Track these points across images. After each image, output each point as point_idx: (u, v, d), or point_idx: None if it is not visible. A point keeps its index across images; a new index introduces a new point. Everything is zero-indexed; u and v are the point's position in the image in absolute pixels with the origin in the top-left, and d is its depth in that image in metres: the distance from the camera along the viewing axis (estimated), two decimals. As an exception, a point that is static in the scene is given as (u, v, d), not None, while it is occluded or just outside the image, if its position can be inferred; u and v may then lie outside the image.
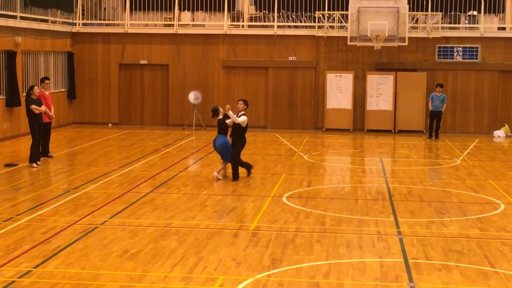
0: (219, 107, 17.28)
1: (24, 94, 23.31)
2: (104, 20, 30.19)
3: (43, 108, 18.74)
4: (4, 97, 23.66)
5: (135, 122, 29.21)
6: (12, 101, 23.81)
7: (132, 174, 17.61)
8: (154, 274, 9.59)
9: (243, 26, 29.31)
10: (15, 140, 23.46)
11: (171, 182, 16.59)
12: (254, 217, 13.10)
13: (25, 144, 21.37)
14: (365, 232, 12.17)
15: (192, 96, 28.02)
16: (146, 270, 9.76)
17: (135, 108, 29.39)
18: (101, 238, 11.49)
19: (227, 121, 16.81)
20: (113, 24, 29.83)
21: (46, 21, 26.85)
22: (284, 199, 14.82)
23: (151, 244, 11.11)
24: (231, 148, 16.79)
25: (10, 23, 23.82)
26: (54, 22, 27.59)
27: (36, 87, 18.93)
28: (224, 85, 28.86)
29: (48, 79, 20.67)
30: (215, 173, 16.93)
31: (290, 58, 28.58)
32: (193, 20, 29.62)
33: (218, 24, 29.16)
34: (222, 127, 16.89)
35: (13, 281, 9.19)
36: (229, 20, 29.12)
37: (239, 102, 17.14)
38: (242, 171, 17.16)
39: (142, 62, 29.03)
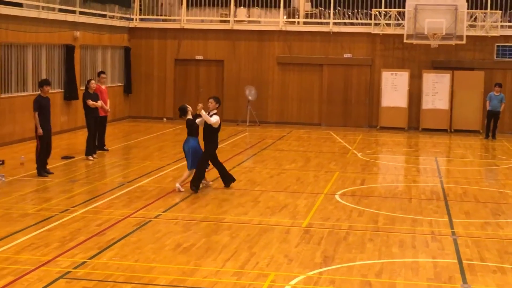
0: (188, 106, 15.36)
1: (82, 88, 23.71)
2: (160, 15, 30.47)
3: (99, 103, 18.99)
4: (62, 90, 24.05)
5: (190, 117, 29.34)
6: (70, 95, 24.19)
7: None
8: (206, 268, 9.65)
9: (298, 22, 29.25)
10: (72, 133, 23.84)
11: (224, 178, 16.64)
12: (306, 214, 13.07)
13: (81, 137, 21.68)
14: (419, 232, 12.04)
15: (248, 92, 28.08)
16: (198, 264, 9.83)
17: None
18: (155, 231, 11.60)
19: (197, 120, 15.00)
20: (170, 20, 30.08)
21: (104, 16, 27.20)
22: (337, 196, 14.75)
23: (204, 239, 11.18)
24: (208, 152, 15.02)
25: (69, 17, 24.20)
26: (112, 17, 27.94)
27: (93, 81, 19.19)
28: (278, 81, 28.85)
29: (104, 73, 20.94)
30: (177, 185, 14.77)
31: (346, 56, 28.42)
32: (249, 16, 29.66)
33: (273, 20, 29.16)
34: (191, 128, 15.02)
35: (69, 272, 9.34)
36: (285, 16, 29.10)
37: (210, 100, 15.18)
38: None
39: (198, 57, 29.20)
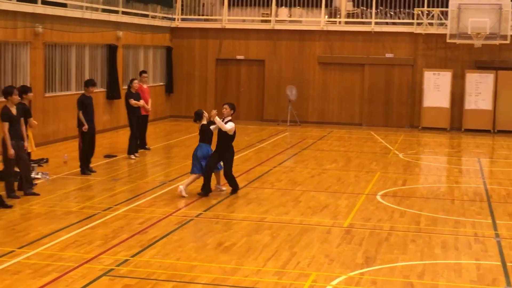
0: (204, 111, 14.68)
1: (124, 87, 23.92)
2: (202, 15, 30.61)
3: (141, 102, 19.14)
4: (105, 90, 24.30)
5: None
6: (112, 94, 24.43)
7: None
8: (248, 268, 9.67)
9: (340, 22, 29.15)
10: (114, 132, 24.06)
11: (265, 177, 16.68)
12: (347, 215, 13.03)
13: (123, 136, 21.87)
14: (462, 233, 11.92)
15: (289, 92, 28.07)
16: (239, 264, 9.85)
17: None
18: (196, 230, 11.67)
19: (212, 127, 14.46)
20: (211, 20, 30.21)
21: (146, 16, 27.42)
22: (378, 197, 14.68)
23: (245, 238, 11.20)
24: (220, 160, 14.47)
25: (112, 17, 24.44)
26: (154, 17, 28.15)
27: (135, 81, 19.35)
28: (319, 81, 28.78)
29: (145, 72, 21.10)
30: (181, 187, 14.22)
31: (387, 55, 28.25)
32: (290, 16, 29.65)
33: (315, 20, 29.10)
34: (206, 135, 14.46)
35: (112, 269, 9.44)
36: (326, 16, 29.03)
37: (225, 106, 14.56)
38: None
39: (239, 57, 29.27)
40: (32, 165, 15.25)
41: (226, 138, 14.38)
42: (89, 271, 9.30)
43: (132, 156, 18.74)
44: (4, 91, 13.60)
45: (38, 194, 13.82)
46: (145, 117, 19.85)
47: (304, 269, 9.68)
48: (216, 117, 14.27)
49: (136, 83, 19.22)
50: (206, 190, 14.23)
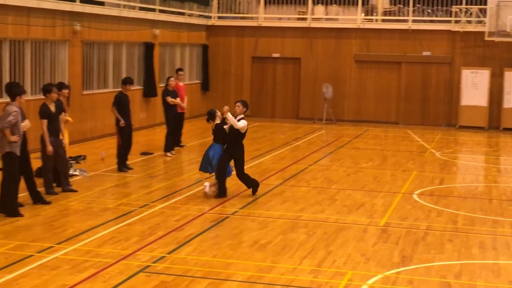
0: (216, 110, 14.43)
1: (161, 85, 24.07)
2: (238, 13, 30.65)
3: (177, 100, 19.23)
4: (142, 87, 24.46)
5: (266, 115, 29.47)
6: (149, 92, 24.58)
7: (263, 166, 17.80)
8: (283, 266, 9.67)
9: (376, 20, 28.99)
10: (151, 130, 24.21)
11: (301, 175, 16.66)
12: (384, 213, 12.96)
13: (160, 134, 21.99)
14: (500, 233, 11.79)
15: (325, 90, 28.00)
16: (275, 261, 9.86)
17: (267, 101, 29.67)
18: (232, 228, 11.69)
19: (225, 126, 14.10)
20: (247, 18, 30.23)
21: (183, 14, 27.54)
22: (415, 196, 14.58)
23: (281, 236, 11.20)
24: (230, 159, 14.20)
25: (149, 16, 24.59)
26: (190, 15, 28.26)
27: (172, 78, 19.46)
28: (355, 79, 28.66)
29: (181, 70, 21.18)
30: (206, 185, 13.97)
31: (424, 53, 28.02)
32: (327, 14, 29.57)
33: (351, 18, 28.97)
34: (219, 134, 14.19)
35: (148, 266, 9.50)
36: (363, 14, 28.89)
37: (237, 104, 14.15)
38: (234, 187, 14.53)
39: (275, 55, 29.25)
40: (70, 162, 15.40)
41: (237, 136, 14.03)
42: (126, 267, 9.37)
43: (168, 154, 18.84)
44: (43, 89, 13.76)
45: (76, 191, 13.96)
46: (181, 114, 19.94)
47: (340, 268, 9.65)
48: (229, 114, 13.93)
49: (172, 81, 19.32)
50: (221, 192, 13.93)
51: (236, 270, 9.44)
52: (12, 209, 11.90)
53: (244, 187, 14.51)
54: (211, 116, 14.41)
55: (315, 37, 28.83)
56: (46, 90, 13.61)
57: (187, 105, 20.85)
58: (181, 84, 20.27)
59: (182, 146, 20.33)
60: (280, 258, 10.01)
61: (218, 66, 29.69)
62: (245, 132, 14.11)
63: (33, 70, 18.90)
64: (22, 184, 12.46)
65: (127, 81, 16.75)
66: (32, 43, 18.83)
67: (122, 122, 16.23)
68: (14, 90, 12.01)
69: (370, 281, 9.14)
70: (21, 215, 11.90)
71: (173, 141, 19.41)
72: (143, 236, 10.98)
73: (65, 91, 14.72)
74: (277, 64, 29.42)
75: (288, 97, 29.46)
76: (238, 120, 13.92)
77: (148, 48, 24.54)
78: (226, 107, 14.09)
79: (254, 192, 14.25)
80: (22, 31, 18.25)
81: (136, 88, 23.36)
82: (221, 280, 8.99)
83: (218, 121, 14.25)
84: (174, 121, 19.29)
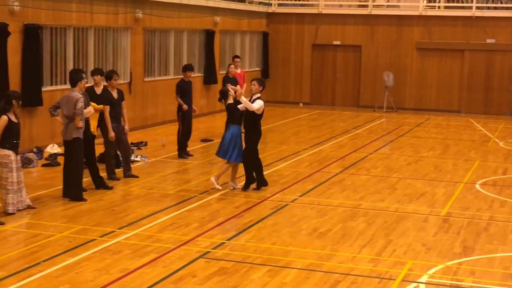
0: (229, 89, 13.69)
1: (221, 72, 24.17)
2: (299, 0, 30.51)
3: (238, 87, 19.23)
4: (202, 75, 24.59)
5: (326, 103, 29.34)
6: (209, 79, 24.70)
7: (322, 154, 17.74)
8: (343, 254, 9.63)
9: (439, 7, 28.54)
10: (211, 117, 24.33)
11: (361, 164, 16.55)
12: (445, 203, 12.79)
13: (219, 121, 22.11)
14: None
15: (386, 78, 27.72)
16: (334, 250, 9.83)
17: (326, 89, 29.53)
18: (291, 215, 11.69)
19: (239, 106, 13.22)
20: (308, 5, 30.07)
21: (243, 1, 27.55)
22: (477, 186, 14.35)
23: (340, 224, 11.16)
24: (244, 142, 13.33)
25: (210, 3, 24.67)
26: (251, 2, 28.26)
27: (232, 66, 19.49)
28: (417, 67, 28.29)
29: (238, 57, 21.17)
30: (212, 179, 13.34)
31: (488, 41, 27.48)
32: (388, 1, 29.22)
33: (413, 5, 28.56)
34: (233, 115, 13.37)
35: (208, 252, 9.57)
36: (425, 1, 28.46)
37: (253, 82, 13.23)
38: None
39: (335, 42, 29.06)
40: (132, 148, 15.59)
41: (254, 118, 13.09)
42: (186, 253, 9.46)
43: (228, 141, 18.88)
44: (106, 76, 13.92)
45: (137, 177, 14.13)
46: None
47: (400, 257, 9.56)
48: (242, 96, 13.14)
49: (232, 68, 19.37)
50: (259, 183, 13.27)
51: (295, 257, 9.44)
52: (77, 194, 12.13)
53: (303, 174, 14.46)
54: (223, 95, 13.79)
55: (376, 24, 28.53)
56: (108, 76, 13.78)
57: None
58: (238, 71, 20.25)
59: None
60: (340, 247, 9.97)
61: (278, 54, 29.65)
62: (262, 113, 13.15)
63: (96, 57, 19.16)
64: (86, 170, 12.66)
65: (188, 68, 16.84)
66: (95, 31, 19.09)
67: (184, 106, 16.33)
68: (74, 76, 12.23)
69: (431, 271, 9.04)
70: (85, 200, 12.11)
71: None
72: (203, 222, 11.06)
73: (115, 82, 13.97)
74: (337, 52, 29.22)
75: (348, 85, 29.25)
76: (254, 100, 13.02)
77: (209, 35, 24.64)
78: (239, 90, 13.44)
79: (244, 187, 13.29)
80: (86, 19, 18.51)
81: (196, 75, 23.49)
82: (280, 267, 9.00)
83: (231, 100, 13.40)
84: (234, 108, 19.32)
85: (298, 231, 10.71)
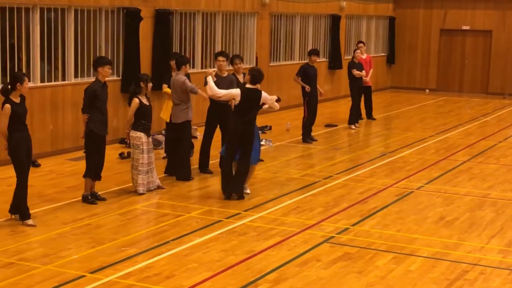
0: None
1: (346, 57, 24.02)
2: (427, -16, 29.85)
3: (363, 72, 19.11)
4: (327, 60, 24.52)
5: (453, 89, 28.63)
6: (334, 64, 24.61)
7: (449, 141, 17.36)
8: (470, 244, 9.42)
9: None
10: (335, 102, 24.25)
11: (490, 152, 16.08)
12: None
13: (344, 106, 22.01)
14: None
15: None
16: (462, 239, 9.62)
17: (454, 75, 28.80)
18: (417, 203, 11.52)
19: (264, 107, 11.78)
20: (436, -11, 29.37)
21: (370, -14, 27.26)
22: None
23: (467, 213, 10.90)
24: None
25: (337, -12, 24.54)
26: (378, -14, 27.92)
27: (358, 51, 19.35)
28: (551, 53, 27.17)
29: (361, 42, 20.94)
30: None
31: None
32: (521, -16, 28.15)
33: (548, -12, 27.41)
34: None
35: (332, 236, 9.58)
36: (562, -17, 27.25)
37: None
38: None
39: (464, 27, 28.26)
40: (257, 132, 15.73)
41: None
42: (310, 237, 9.50)
43: (353, 126, 18.82)
44: (231, 60, 13.77)
45: (262, 160, 14.25)
46: (368, 88, 19.80)
47: (531, 249, 9.27)
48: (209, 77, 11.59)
49: (358, 53, 19.23)
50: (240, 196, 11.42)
51: (421, 245, 9.31)
52: (186, 174, 12.47)
53: (429, 161, 14.21)
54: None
55: (508, 9, 27.52)
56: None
57: (372, 78, 20.65)
58: (364, 56, 20.06)
59: (374, 119, 20.27)
60: (467, 236, 9.76)
61: (404, 39, 29.15)
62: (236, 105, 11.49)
63: (223, 42, 19.45)
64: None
65: (313, 52, 16.83)
66: (223, 15, 19.37)
67: (307, 87, 16.36)
68: (180, 60, 12.63)
69: None
70: (192, 179, 12.43)
71: (359, 114, 19.40)
72: (327, 207, 11.07)
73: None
74: (466, 37, 28.41)
75: (477, 71, 28.41)
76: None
77: (335, 20, 24.53)
78: (211, 70, 11.92)
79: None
80: (214, 4, 18.82)
81: (321, 61, 23.44)
82: (406, 255, 8.90)
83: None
84: (359, 94, 19.22)
85: (423, 219, 10.55)
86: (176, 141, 12.67)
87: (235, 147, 11.25)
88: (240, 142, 11.21)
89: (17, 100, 9.67)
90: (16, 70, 13.58)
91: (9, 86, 9.70)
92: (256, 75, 11.35)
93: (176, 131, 12.67)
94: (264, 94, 11.40)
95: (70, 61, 14.87)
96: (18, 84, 9.60)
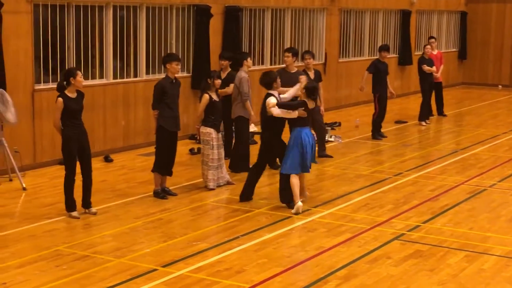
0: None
1: (416, 53, 23.74)
2: (500, -22, 29.25)
3: (434, 68, 18.85)
4: (397, 55, 24.27)
5: (527, 85, 28.02)
6: (404, 60, 24.34)
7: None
8: (545, 243, 9.22)
9: None
10: (405, 98, 23.97)
11: None
12: None
13: (414, 103, 21.76)
14: None
15: None
16: (536, 238, 9.43)
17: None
18: (489, 200, 11.32)
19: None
20: (510, -17, 28.77)
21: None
22: None
23: (542, 212, 10.68)
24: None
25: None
26: (449, -19, 27.49)
27: (428, 47, 19.07)
28: None
29: (432, 38, 20.60)
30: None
31: None
32: None
33: None
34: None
35: (403, 234, 9.50)
36: None
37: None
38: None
39: (539, 22, 27.61)
40: (326, 128, 15.71)
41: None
42: (380, 234, 9.44)
43: (423, 123, 18.59)
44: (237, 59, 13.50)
45: (331, 157, 14.23)
46: (439, 84, 19.54)
47: None
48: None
49: (428, 49, 18.96)
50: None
51: (494, 244, 9.15)
52: (244, 166, 12.55)
53: (502, 159, 13.90)
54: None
55: None
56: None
57: (443, 74, 20.35)
58: (434, 52, 19.75)
59: (445, 116, 20.03)
60: (542, 235, 9.56)
61: (476, 34, 28.61)
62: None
63: (293, 38, 19.45)
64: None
65: (384, 48, 16.69)
66: (292, 12, 19.36)
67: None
68: (239, 56, 12.67)
69: None
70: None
71: (429, 110, 19.17)
72: (397, 204, 10.98)
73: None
74: (541, 32, 27.73)
75: (552, 66, 27.70)
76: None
77: (405, 15, 24.25)
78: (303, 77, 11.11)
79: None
80: (283, 0, 18.83)
81: (391, 56, 23.20)
82: (478, 253, 8.76)
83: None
84: (430, 90, 18.96)
85: (497, 217, 10.36)
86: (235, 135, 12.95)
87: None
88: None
89: (72, 95, 9.82)
90: (90, 67, 13.88)
91: (64, 82, 9.85)
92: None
93: (234, 125, 12.91)
94: (269, 98, 10.58)
95: (142, 58, 15.10)
96: (72, 78, 9.75)
